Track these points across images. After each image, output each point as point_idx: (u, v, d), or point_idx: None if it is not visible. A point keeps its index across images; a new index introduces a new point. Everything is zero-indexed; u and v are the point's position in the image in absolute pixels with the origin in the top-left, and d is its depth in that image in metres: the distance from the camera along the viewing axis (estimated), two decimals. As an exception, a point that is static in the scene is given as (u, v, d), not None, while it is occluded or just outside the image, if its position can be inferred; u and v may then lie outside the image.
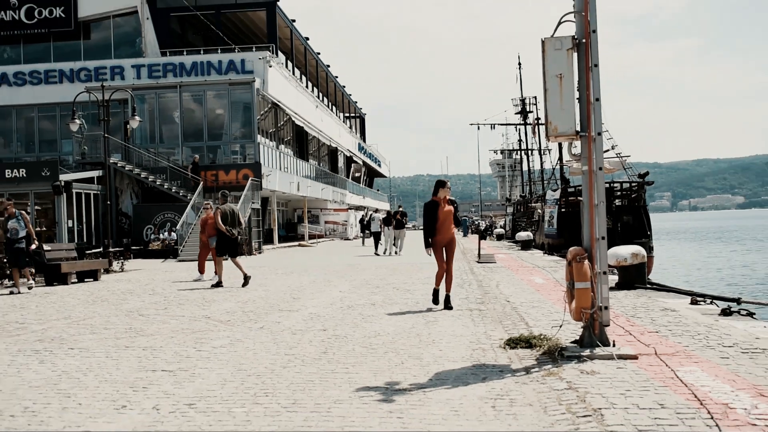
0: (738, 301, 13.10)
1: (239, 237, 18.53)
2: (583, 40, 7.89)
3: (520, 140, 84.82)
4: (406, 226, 33.85)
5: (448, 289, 12.45)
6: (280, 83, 43.07)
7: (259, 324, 10.99)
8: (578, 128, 7.91)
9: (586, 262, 7.79)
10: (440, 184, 12.49)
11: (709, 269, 47.38)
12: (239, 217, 18.44)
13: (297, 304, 13.67)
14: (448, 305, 12.26)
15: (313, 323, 10.95)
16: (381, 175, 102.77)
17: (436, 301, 12.57)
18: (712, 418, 5.17)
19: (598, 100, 7.87)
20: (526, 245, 36.38)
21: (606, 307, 7.85)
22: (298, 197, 49.90)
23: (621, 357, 7.46)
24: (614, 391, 6.08)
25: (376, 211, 41.85)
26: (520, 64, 78.86)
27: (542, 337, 8.49)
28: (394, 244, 32.73)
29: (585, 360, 7.41)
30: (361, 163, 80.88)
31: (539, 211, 46.72)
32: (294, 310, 12.73)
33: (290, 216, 57.58)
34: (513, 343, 8.50)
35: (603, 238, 7.88)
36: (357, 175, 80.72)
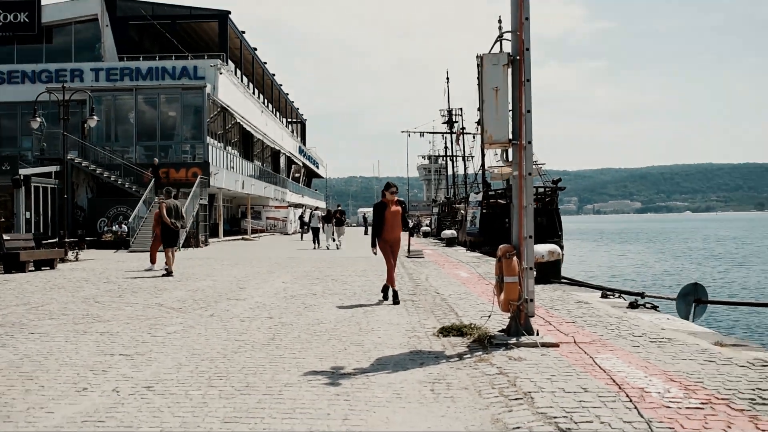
0: (642, 295, 13.32)
1: (180, 229, 18.58)
2: (518, 57, 7.87)
3: (446, 147, 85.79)
4: (345, 223, 34.13)
5: (393, 284, 11.91)
6: (229, 89, 42.45)
7: (209, 311, 10.75)
8: (511, 137, 7.88)
9: (515, 258, 7.75)
10: (386, 186, 11.92)
11: (610, 265, 48.22)
12: (182, 212, 18.90)
13: (243, 293, 13.43)
14: (386, 297, 11.95)
15: (259, 311, 10.75)
16: (319, 176, 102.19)
17: (386, 296, 11.93)
18: (630, 401, 5.17)
19: (529, 111, 7.84)
20: (450, 242, 36.61)
21: (531, 300, 7.84)
22: (242, 194, 49.29)
23: (544, 345, 7.46)
24: (541, 376, 6.05)
25: (317, 209, 41.88)
26: (448, 78, 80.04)
27: (472, 326, 8.45)
28: (333, 240, 32.98)
29: (512, 347, 7.38)
30: (301, 164, 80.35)
31: (462, 211, 47.16)
32: (241, 298, 12.49)
33: (234, 212, 56.87)
34: (446, 331, 8.44)
35: (530, 237, 7.85)
36: (297, 175, 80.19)
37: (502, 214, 34.94)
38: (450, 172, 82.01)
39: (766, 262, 49.94)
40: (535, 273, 8.10)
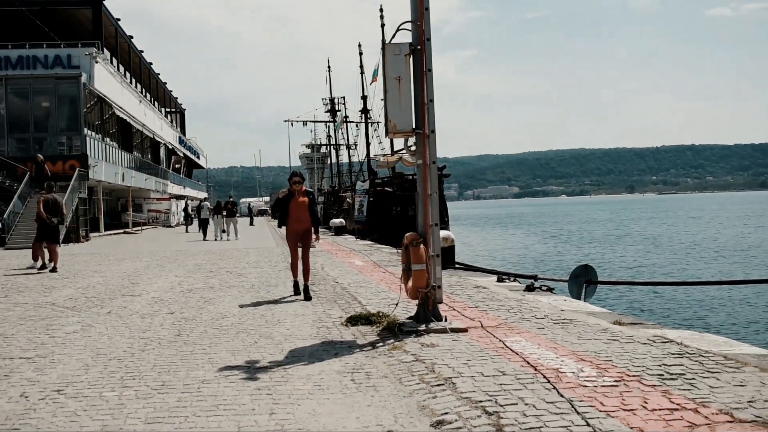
0: (535, 278, 13.78)
1: (59, 225, 18.24)
2: (419, 47, 7.96)
3: (329, 136, 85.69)
4: (236, 214, 34.10)
5: (306, 279, 11.24)
6: (105, 78, 40.99)
7: (105, 309, 10.41)
8: (414, 126, 7.96)
9: (422, 246, 7.86)
10: (291, 175, 11.40)
11: (495, 249, 49.51)
12: (62, 206, 18.47)
13: (137, 289, 13.06)
14: (307, 295, 10.99)
15: (158, 307, 10.49)
16: (199, 167, 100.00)
17: (297, 291, 11.36)
18: (548, 381, 5.34)
19: (431, 101, 7.95)
20: (339, 231, 36.65)
21: (439, 287, 8.00)
22: (122, 187, 47.67)
23: (453, 330, 7.60)
24: (457, 361, 6.16)
25: (205, 199, 41.28)
26: (329, 67, 79.89)
27: (380, 314, 8.51)
28: (223, 231, 32.68)
29: (422, 334, 7.47)
30: (181, 155, 78.63)
31: (349, 200, 47.28)
32: (136, 294, 12.15)
33: (114, 205, 55.01)
34: (354, 320, 8.47)
35: (436, 224, 8.01)
36: (177, 166, 78.44)
37: (389, 202, 35.30)
38: (334, 160, 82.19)
39: (637, 243, 52.42)
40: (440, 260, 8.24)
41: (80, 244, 30.91)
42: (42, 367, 6.58)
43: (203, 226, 34.37)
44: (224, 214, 32.88)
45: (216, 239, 32.02)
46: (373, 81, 39.96)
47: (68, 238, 30.83)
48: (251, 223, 56.26)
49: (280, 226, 11.61)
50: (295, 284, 11.57)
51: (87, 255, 23.08)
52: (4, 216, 30.93)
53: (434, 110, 7.98)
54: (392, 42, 8.07)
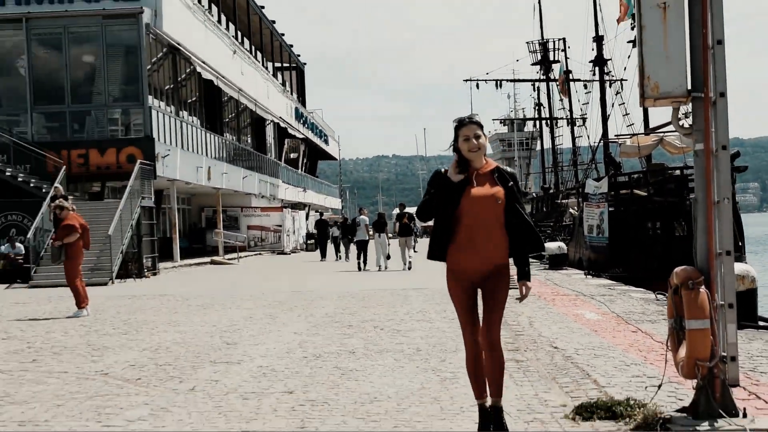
0: None
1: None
2: (698, -46, 7.85)
3: (539, 105, 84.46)
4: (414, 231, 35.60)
5: (493, 390, 7.71)
6: (181, 16, 42.49)
7: (187, 384, 10.79)
8: (690, 86, 7.87)
9: (703, 289, 7.65)
10: (460, 123, 7.63)
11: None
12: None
13: (236, 352, 13.42)
14: (499, 424, 7.68)
15: (269, 382, 10.77)
16: (329, 157, 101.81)
17: (485, 426, 7.75)
18: None
19: (720, 42, 7.74)
20: (556, 261, 36.21)
21: (733, 358, 7.72)
22: (208, 190, 49.07)
23: (759, 433, 7.39)
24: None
25: (360, 211, 40.89)
26: (539, -9, 77.33)
27: (630, 402, 8.34)
28: (388, 257, 34.01)
29: (705, 438, 7.29)
30: (299, 138, 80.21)
31: (573, 210, 46.62)
32: (234, 361, 12.48)
33: (196, 218, 56.62)
34: (586, 411, 8.34)
35: (728, 252, 7.77)
36: (294, 156, 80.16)
37: (642, 214, 34.60)
38: (547, 145, 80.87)
39: None
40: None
41: (145, 280, 32.12)
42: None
43: (361, 249, 35.94)
44: (395, 231, 34.34)
45: (379, 268, 33.74)
46: (620, 18, 39.61)
47: (125, 271, 31.94)
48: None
49: (433, 250, 7.80)
50: (482, 412, 7.89)
51: (154, 298, 24.00)
52: (29, 236, 32.18)
53: (724, 58, 7.80)
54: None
